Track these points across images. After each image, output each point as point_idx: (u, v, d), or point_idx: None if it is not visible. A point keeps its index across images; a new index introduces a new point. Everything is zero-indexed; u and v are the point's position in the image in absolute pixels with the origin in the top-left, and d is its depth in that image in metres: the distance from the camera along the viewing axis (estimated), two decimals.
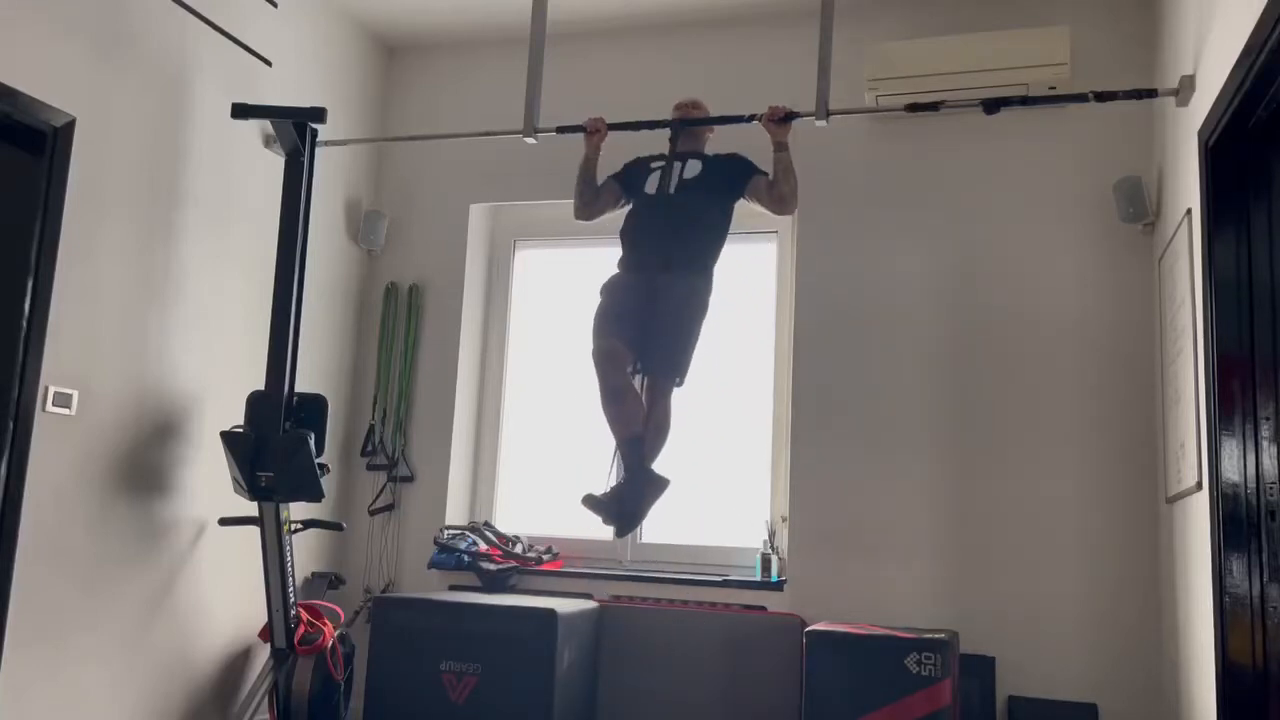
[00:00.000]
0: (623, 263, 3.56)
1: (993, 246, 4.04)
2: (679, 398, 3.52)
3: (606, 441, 3.46)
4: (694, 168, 3.56)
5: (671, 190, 3.49)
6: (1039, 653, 3.75)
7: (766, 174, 3.55)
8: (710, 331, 3.52)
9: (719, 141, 3.79)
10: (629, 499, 3.31)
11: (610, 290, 3.53)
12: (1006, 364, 3.96)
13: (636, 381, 3.44)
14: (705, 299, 3.47)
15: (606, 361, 3.36)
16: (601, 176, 3.77)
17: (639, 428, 3.32)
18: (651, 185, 3.55)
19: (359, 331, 4.73)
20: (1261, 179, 2.79)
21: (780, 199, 3.53)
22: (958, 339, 4.03)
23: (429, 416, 4.61)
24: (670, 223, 3.46)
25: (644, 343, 3.38)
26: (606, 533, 4.44)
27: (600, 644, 4.01)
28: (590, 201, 3.73)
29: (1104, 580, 3.75)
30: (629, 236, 3.59)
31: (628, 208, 3.68)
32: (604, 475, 3.37)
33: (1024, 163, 4.05)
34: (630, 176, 3.70)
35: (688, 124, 3.65)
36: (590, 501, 3.33)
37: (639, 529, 4.42)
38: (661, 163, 3.57)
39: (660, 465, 3.44)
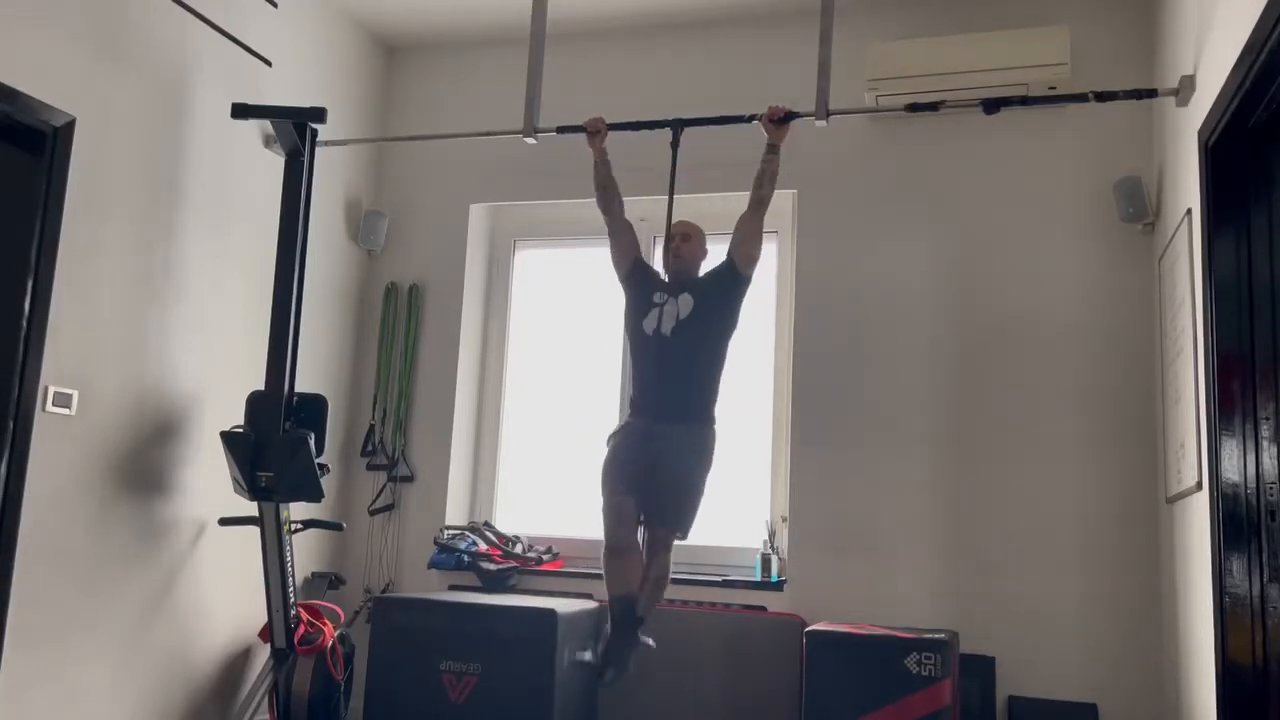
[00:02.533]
0: (632, 407, 3.55)
1: (993, 246, 4.05)
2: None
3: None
4: (686, 305, 3.46)
5: (669, 334, 3.44)
6: (1039, 653, 3.75)
7: (735, 263, 3.48)
8: (712, 484, 3.51)
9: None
10: (614, 665, 3.36)
11: (618, 440, 3.50)
12: (1006, 364, 3.96)
13: (641, 530, 3.46)
14: (710, 452, 3.47)
15: (615, 518, 3.37)
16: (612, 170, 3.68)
17: (634, 589, 3.37)
18: (650, 324, 3.48)
19: (359, 331, 4.73)
20: (1261, 179, 2.79)
21: (759, 201, 3.48)
22: (957, 339, 4.03)
23: (429, 416, 4.61)
24: (670, 368, 3.45)
25: (650, 498, 3.41)
26: None
27: (600, 644, 4.00)
28: (610, 207, 3.63)
29: (1104, 580, 3.75)
30: (633, 375, 3.62)
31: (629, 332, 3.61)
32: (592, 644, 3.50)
33: (1024, 163, 4.05)
34: (635, 291, 3.57)
35: (687, 124, 3.64)
36: (589, 667, 3.42)
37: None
38: (664, 298, 3.48)
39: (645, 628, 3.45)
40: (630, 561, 3.38)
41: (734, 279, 3.49)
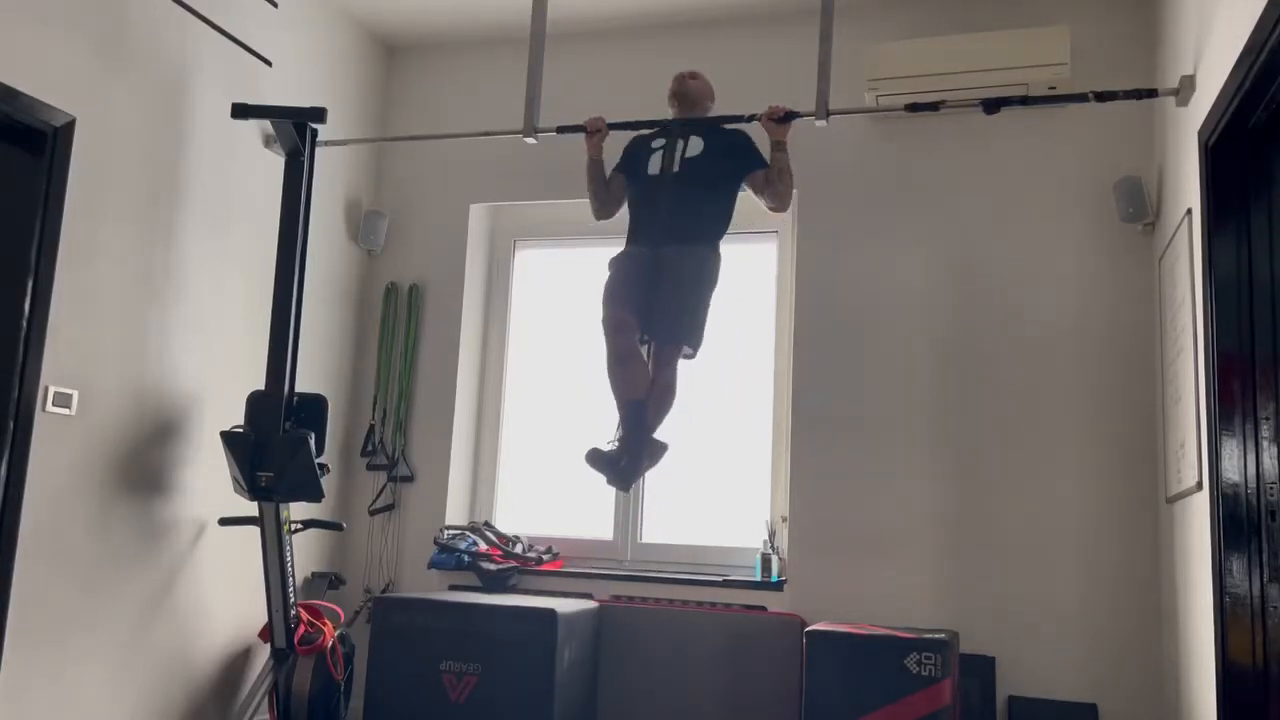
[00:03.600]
0: (630, 239, 3.57)
1: (993, 246, 4.05)
2: (685, 368, 3.52)
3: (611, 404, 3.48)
4: (696, 145, 3.54)
5: (675, 169, 3.48)
6: (1039, 653, 3.75)
7: (766, 166, 3.55)
8: (719, 304, 3.51)
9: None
10: (629, 459, 3.32)
11: (619, 263, 3.54)
12: (1006, 364, 3.96)
13: (645, 350, 3.46)
14: (714, 269, 3.48)
15: (614, 329, 3.40)
16: (607, 172, 3.75)
17: (642, 392, 3.35)
18: (654, 165, 3.54)
19: (359, 331, 4.73)
20: (1261, 179, 2.79)
21: (775, 197, 3.54)
22: (957, 339, 4.03)
23: (429, 416, 4.61)
24: (675, 200, 3.47)
25: (651, 311, 3.40)
26: (607, 533, 4.49)
27: (600, 644, 4.01)
28: (605, 200, 3.72)
29: (1104, 580, 3.75)
30: (634, 217, 3.61)
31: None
32: (611, 433, 3.41)
33: (1024, 163, 4.05)
34: (632, 160, 3.69)
35: (686, 124, 3.65)
36: (593, 457, 3.34)
37: (640, 524, 4.45)
38: (663, 141, 3.55)
39: (663, 432, 3.45)
40: (634, 368, 3.37)
41: (746, 168, 3.52)
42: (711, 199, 3.53)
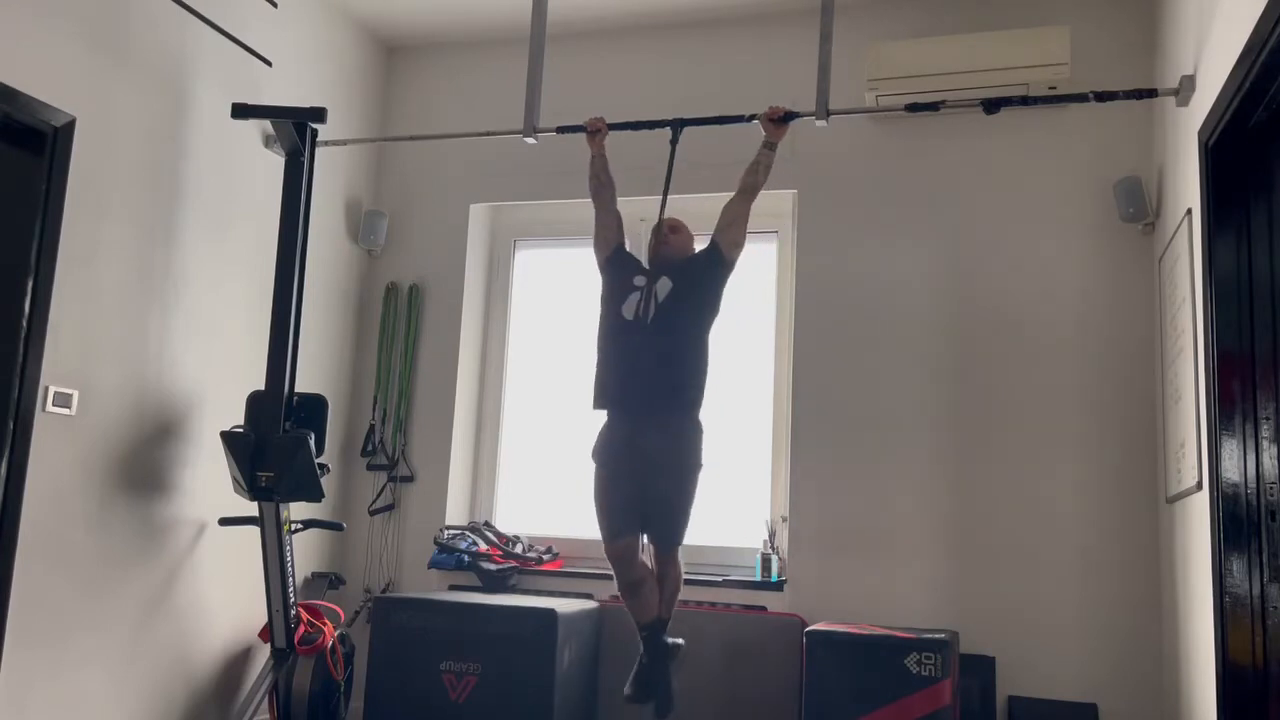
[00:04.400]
0: (607, 400, 3.42)
1: (993, 246, 4.05)
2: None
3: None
4: (665, 286, 3.40)
5: (649, 320, 3.36)
6: (1039, 653, 3.75)
7: (719, 250, 3.43)
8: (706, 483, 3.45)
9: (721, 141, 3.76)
10: (660, 686, 3.39)
11: (602, 454, 3.41)
12: (1006, 364, 3.96)
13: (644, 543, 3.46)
14: (698, 451, 3.37)
15: (620, 562, 3.38)
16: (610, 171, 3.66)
17: (654, 612, 3.41)
18: (629, 309, 3.40)
19: (359, 331, 4.73)
20: (1261, 179, 2.79)
21: (750, 188, 3.45)
22: (957, 339, 4.03)
23: (429, 416, 4.61)
24: (651, 357, 3.35)
25: (646, 514, 3.38)
26: None
27: (600, 644, 4.01)
28: (605, 205, 3.61)
29: (1104, 580, 3.75)
30: (609, 370, 3.44)
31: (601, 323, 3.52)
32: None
33: (1024, 163, 4.05)
34: (615, 276, 3.51)
35: (686, 124, 3.63)
36: (631, 699, 3.41)
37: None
38: (643, 281, 3.42)
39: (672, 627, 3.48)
40: (645, 592, 3.41)
41: (717, 261, 3.44)
42: (689, 345, 3.39)
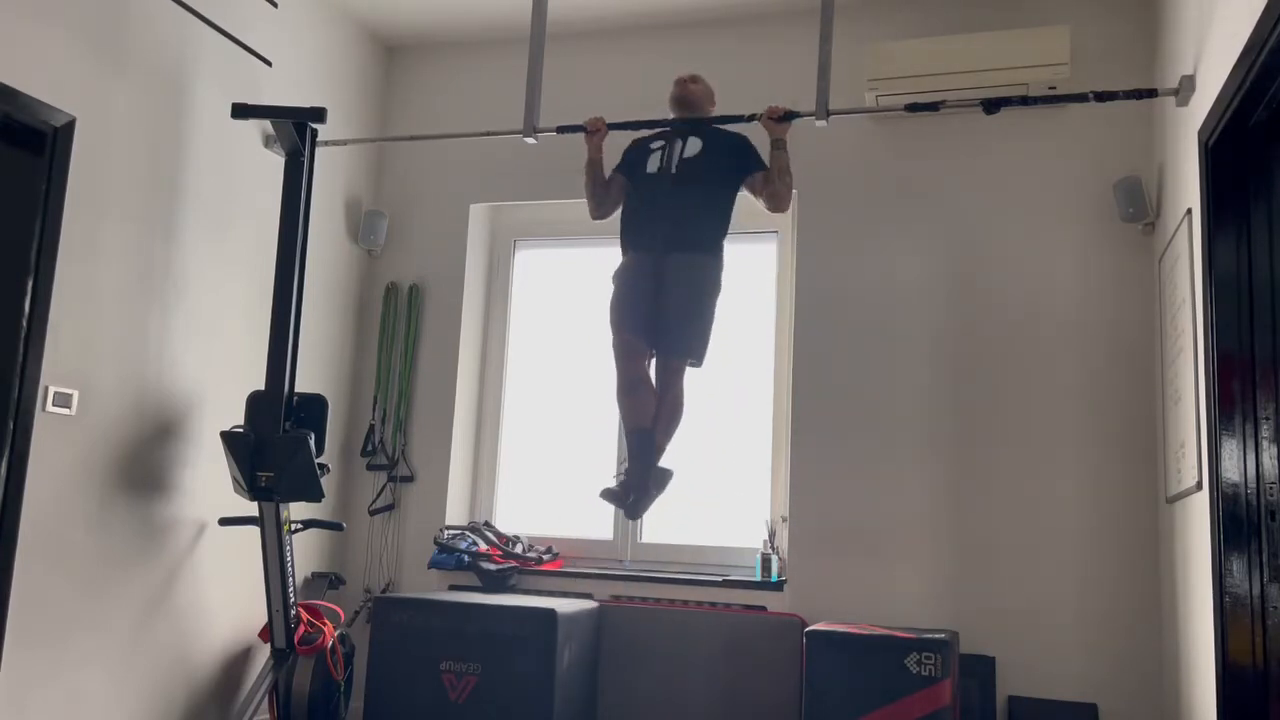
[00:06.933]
0: (629, 244, 3.58)
1: (993, 246, 4.05)
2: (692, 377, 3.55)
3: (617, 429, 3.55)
4: (694, 145, 3.55)
5: (673, 170, 3.50)
6: (1039, 653, 3.75)
7: (766, 168, 3.55)
8: (723, 311, 3.53)
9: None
10: (636, 494, 3.42)
11: (622, 277, 3.56)
12: (1006, 364, 3.96)
13: (653, 363, 3.49)
14: (716, 276, 3.50)
15: (623, 356, 3.46)
16: (607, 173, 3.76)
17: (649, 421, 3.41)
18: (653, 164, 3.56)
19: (359, 331, 4.73)
20: (1261, 179, 2.79)
21: (774, 196, 3.55)
22: (958, 339, 4.03)
23: (429, 416, 4.61)
24: (673, 202, 3.49)
25: (656, 327, 3.44)
26: (606, 532, 4.49)
27: (600, 644, 4.01)
28: (603, 200, 3.72)
29: (1104, 580, 3.75)
30: (632, 218, 3.61)
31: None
32: (618, 461, 3.53)
33: (1024, 163, 4.05)
34: (631, 162, 3.70)
35: (687, 124, 3.65)
36: (606, 495, 3.47)
37: (640, 524, 4.47)
38: (661, 143, 3.58)
39: (667, 456, 3.49)
40: (642, 396, 3.43)
41: (745, 169, 3.53)
42: (709, 199, 3.53)
